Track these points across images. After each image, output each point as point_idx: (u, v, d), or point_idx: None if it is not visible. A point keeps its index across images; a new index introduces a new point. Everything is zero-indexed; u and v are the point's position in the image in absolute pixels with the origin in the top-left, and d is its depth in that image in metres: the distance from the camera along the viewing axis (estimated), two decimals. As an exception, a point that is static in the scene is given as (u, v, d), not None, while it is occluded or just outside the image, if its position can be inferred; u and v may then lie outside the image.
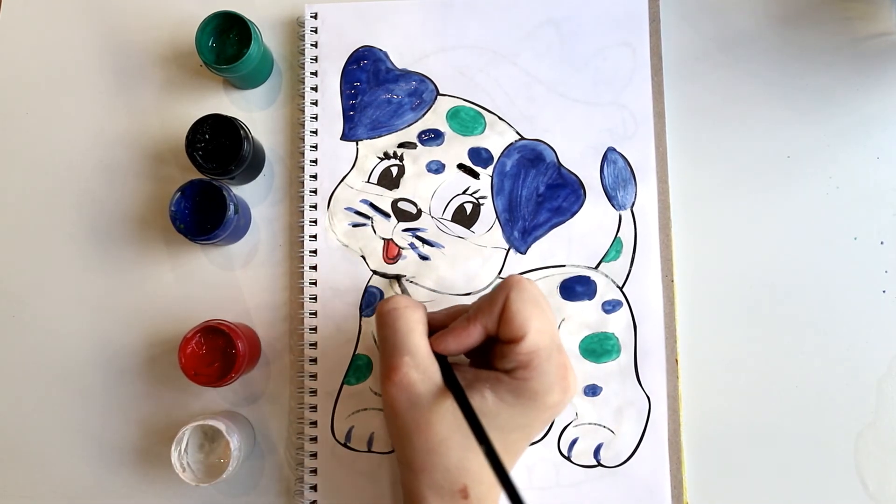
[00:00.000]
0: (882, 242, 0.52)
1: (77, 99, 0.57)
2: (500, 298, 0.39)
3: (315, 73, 0.55)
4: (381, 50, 0.55)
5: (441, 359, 0.40)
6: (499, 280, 0.51)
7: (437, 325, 0.42)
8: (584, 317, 0.51)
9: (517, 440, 0.40)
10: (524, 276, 0.51)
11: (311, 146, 0.54)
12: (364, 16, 0.55)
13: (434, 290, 0.52)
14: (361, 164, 0.54)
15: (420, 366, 0.39)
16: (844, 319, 0.51)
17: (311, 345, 0.52)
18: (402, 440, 0.40)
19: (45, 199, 0.56)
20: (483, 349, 0.42)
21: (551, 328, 0.40)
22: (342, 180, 0.53)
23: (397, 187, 0.53)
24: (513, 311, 0.39)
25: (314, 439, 0.51)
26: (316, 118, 0.54)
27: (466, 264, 0.52)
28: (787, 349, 0.51)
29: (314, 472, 0.51)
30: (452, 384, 0.39)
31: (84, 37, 0.57)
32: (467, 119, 0.54)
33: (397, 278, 0.52)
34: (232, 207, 0.49)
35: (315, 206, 0.53)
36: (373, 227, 0.53)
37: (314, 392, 0.52)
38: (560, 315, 0.51)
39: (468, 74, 0.54)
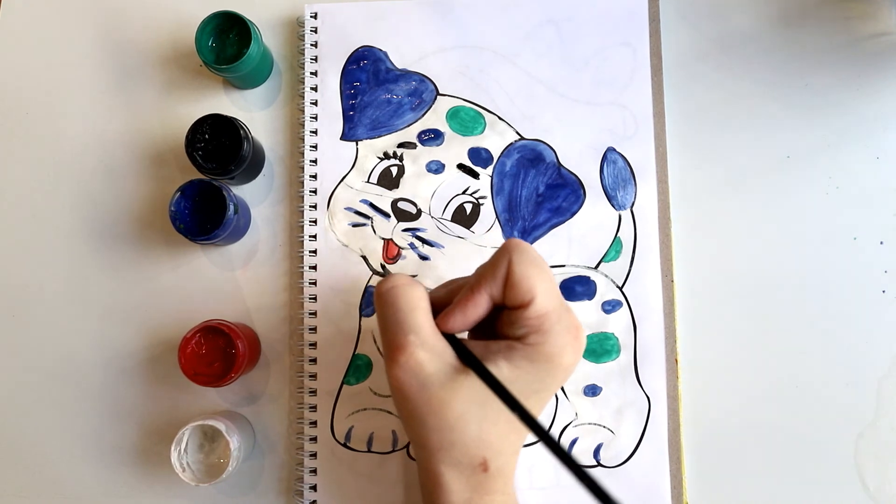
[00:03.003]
0: (882, 242, 0.52)
1: (77, 99, 0.57)
2: (502, 263, 0.37)
3: (315, 73, 0.55)
4: (381, 50, 0.55)
5: (449, 337, 0.39)
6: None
7: (439, 304, 0.40)
8: (583, 317, 0.51)
9: (534, 405, 0.39)
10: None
11: (310, 146, 0.54)
12: (364, 16, 0.55)
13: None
14: (361, 164, 0.54)
15: (427, 344, 0.37)
16: (844, 319, 0.51)
17: (310, 345, 0.52)
18: (414, 422, 0.38)
19: (45, 199, 0.56)
20: (483, 322, 0.40)
21: (556, 289, 0.38)
22: (342, 180, 0.53)
23: (397, 187, 0.53)
24: (518, 275, 0.37)
25: (314, 439, 0.51)
26: (316, 118, 0.54)
27: (466, 264, 0.52)
28: (787, 349, 0.51)
29: (314, 472, 0.51)
30: (469, 359, 0.37)
31: (84, 37, 0.57)
32: (467, 119, 0.54)
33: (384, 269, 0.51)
34: (232, 207, 0.49)
35: (315, 206, 0.53)
36: (373, 227, 0.53)
37: (314, 392, 0.52)
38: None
39: (468, 74, 0.54)
